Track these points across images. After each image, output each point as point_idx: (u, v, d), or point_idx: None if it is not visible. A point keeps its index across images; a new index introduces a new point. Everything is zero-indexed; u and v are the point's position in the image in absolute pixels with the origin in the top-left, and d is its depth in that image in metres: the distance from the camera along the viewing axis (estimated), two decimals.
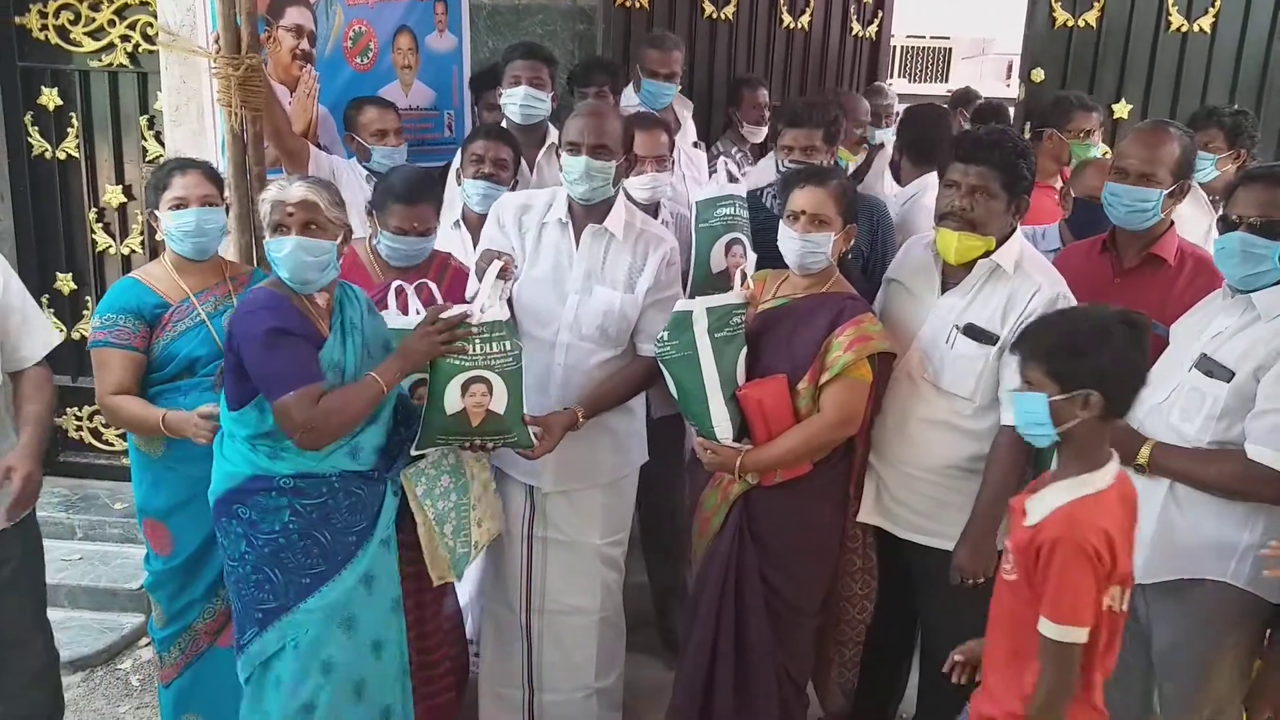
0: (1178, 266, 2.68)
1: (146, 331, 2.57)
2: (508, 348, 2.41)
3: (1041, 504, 1.91)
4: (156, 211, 2.63)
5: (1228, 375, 2.19)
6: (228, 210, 2.78)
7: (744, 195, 3.03)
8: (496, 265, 2.39)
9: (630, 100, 3.97)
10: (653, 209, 3.20)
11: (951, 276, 2.57)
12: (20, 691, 2.58)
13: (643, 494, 3.37)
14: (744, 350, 2.55)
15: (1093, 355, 1.84)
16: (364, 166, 3.45)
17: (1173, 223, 2.75)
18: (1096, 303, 2.39)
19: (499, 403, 2.42)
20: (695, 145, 4.00)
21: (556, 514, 2.80)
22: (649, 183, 3.14)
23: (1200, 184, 3.44)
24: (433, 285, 2.67)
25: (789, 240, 2.53)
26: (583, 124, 2.60)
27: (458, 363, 2.38)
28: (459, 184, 3.22)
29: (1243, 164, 3.77)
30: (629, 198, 3.19)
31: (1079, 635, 1.82)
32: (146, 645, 3.60)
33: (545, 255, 2.67)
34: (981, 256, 2.49)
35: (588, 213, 2.66)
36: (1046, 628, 1.84)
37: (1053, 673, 1.85)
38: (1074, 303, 2.45)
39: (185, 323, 2.60)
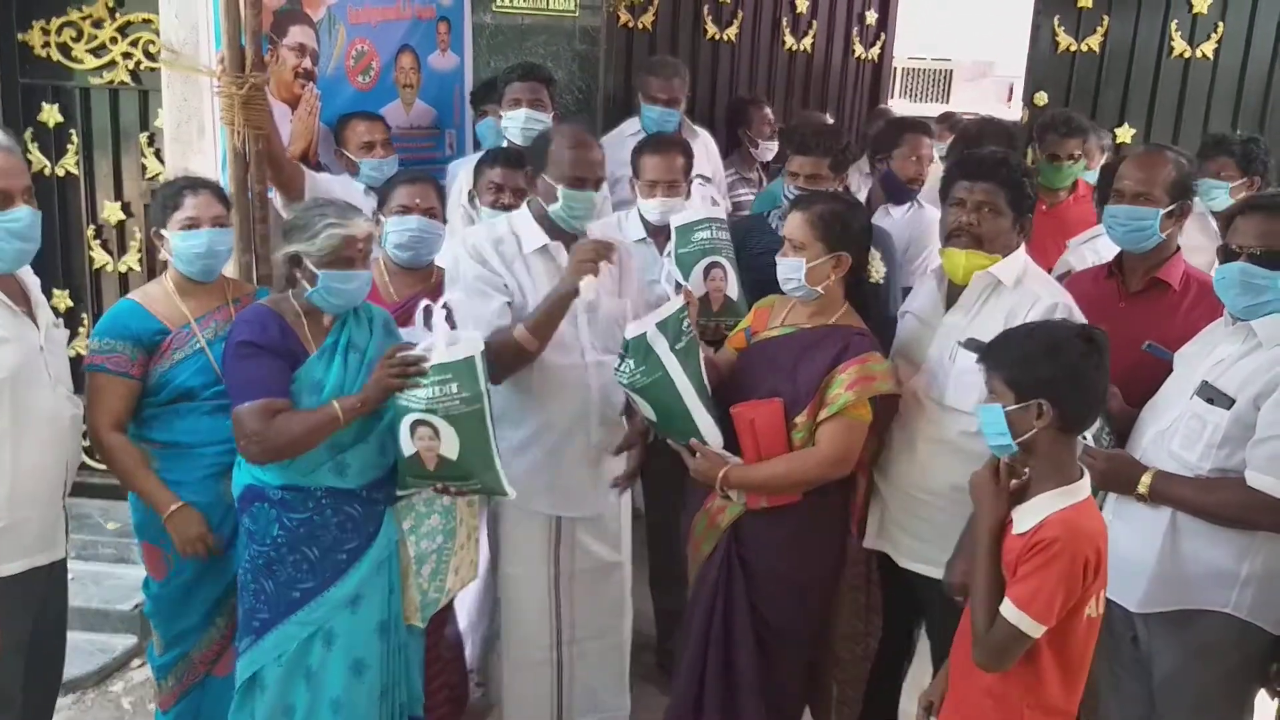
0: (1182, 291, 2.68)
1: (144, 359, 2.52)
2: (455, 390, 2.30)
3: (1032, 513, 1.92)
4: (163, 231, 2.56)
5: (1228, 403, 2.18)
6: None
7: (723, 218, 3.03)
8: (443, 310, 2.33)
9: (634, 127, 3.96)
10: (665, 230, 3.17)
11: (956, 296, 2.57)
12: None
13: (646, 515, 3.36)
14: (701, 350, 2.56)
15: (1045, 365, 1.89)
16: (356, 180, 3.41)
17: (1179, 248, 2.75)
18: (1100, 324, 2.39)
19: (449, 448, 2.33)
20: (702, 179, 3.94)
21: (586, 539, 2.80)
22: (659, 206, 3.13)
23: (1215, 212, 3.43)
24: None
25: (779, 269, 2.53)
26: (583, 156, 2.59)
27: (405, 403, 2.32)
28: (470, 204, 3.19)
29: (1256, 191, 3.76)
30: (642, 219, 3.21)
31: (1034, 630, 1.84)
32: (139, 667, 3.56)
33: (540, 285, 2.63)
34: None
35: (564, 232, 2.66)
36: (1008, 610, 1.85)
37: (998, 654, 1.88)
38: (1075, 312, 2.44)
39: (184, 351, 2.54)
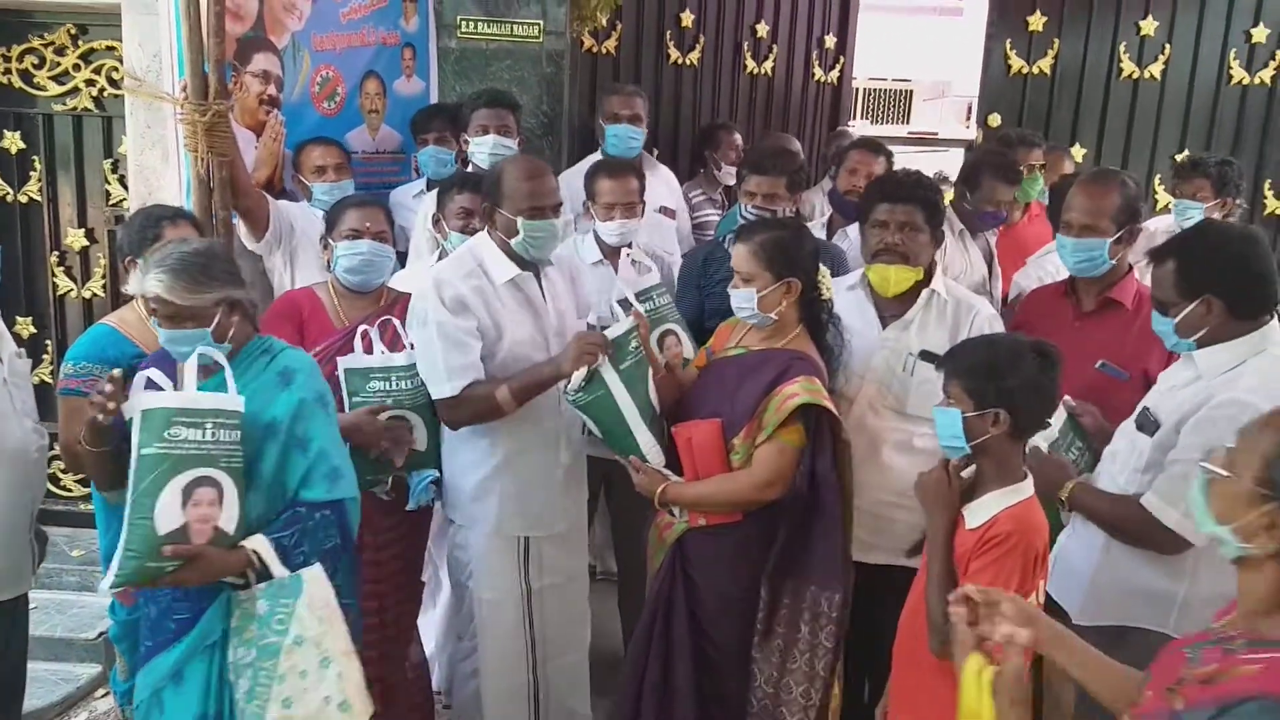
0: (1134, 310, 2.74)
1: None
2: (236, 439, 2.02)
3: (983, 510, 2.00)
4: (140, 260, 2.47)
5: (1154, 429, 2.22)
6: None
7: (660, 283, 3.02)
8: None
9: (597, 159, 3.95)
10: (617, 251, 3.24)
11: (886, 310, 2.72)
12: None
13: (614, 532, 3.36)
14: (649, 372, 2.59)
15: (1004, 377, 1.97)
16: (313, 205, 3.40)
17: (1131, 267, 2.83)
18: (1055, 341, 2.44)
19: (230, 516, 2.00)
20: (667, 212, 3.94)
21: (551, 555, 2.79)
22: (617, 229, 3.17)
23: None
24: (396, 322, 2.69)
25: (735, 300, 2.56)
26: (539, 186, 2.59)
27: (165, 452, 1.93)
28: (435, 228, 3.19)
29: (1229, 212, 3.87)
30: (598, 241, 3.24)
31: None
32: (103, 696, 3.52)
33: (514, 316, 2.63)
34: (917, 287, 2.69)
35: (529, 262, 2.66)
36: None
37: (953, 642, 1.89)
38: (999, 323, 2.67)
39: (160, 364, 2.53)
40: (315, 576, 2.05)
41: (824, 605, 2.49)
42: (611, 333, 2.54)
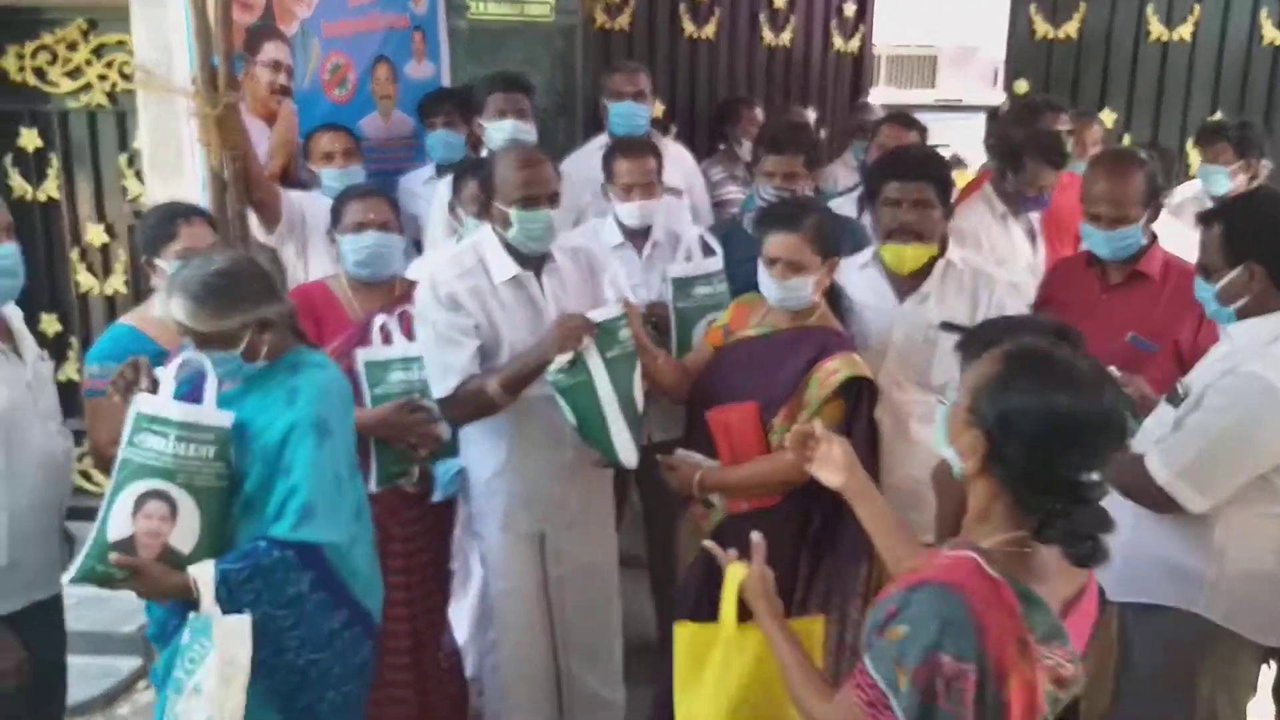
0: (1162, 280, 2.72)
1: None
2: (210, 455, 1.93)
3: None
4: (157, 260, 2.49)
5: (1179, 401, 2.19)
6: None
7: (721, 270, 2.98)
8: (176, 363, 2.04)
9: (602, 140, 3.81)
10: (643, 232, 3.19)
11: (902, 285, 2.69)
12: None
13: (645, 519, 3.33)
14: (638, 366, 2.54)
15: None
16: (322, 193, 3.34)
17: (1155, 236, 2.78)
18: (1082, 315, 2.49)
19: (185, 534, 1.93)
20: (674, 192, 3.82)
21: (571, 544, 2.77)
22: (637, 210, 3.11)
23: (1214, 195, 3.52)
24: (413, 311, 2.67)
25: (768, 285, 2.51)
26: (531, 175, 2.50)
27: (128, 458, 1.91)
28: (451, 214, 3.16)
29: (1254, 174, 3.78)
30: (619, 223, 3.20)
31: None
32: (145, 689, 3.55)
33: (516, 317, 2.57)
34: (932, 260, 2.66)
35: (532, 256, 2.58)
36: None
37: None
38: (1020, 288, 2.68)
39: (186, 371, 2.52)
40: (230, 630, 1.87)
41: (851, 580, 2.53)
42: (597, 315, 2.46)
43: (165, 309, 2.05)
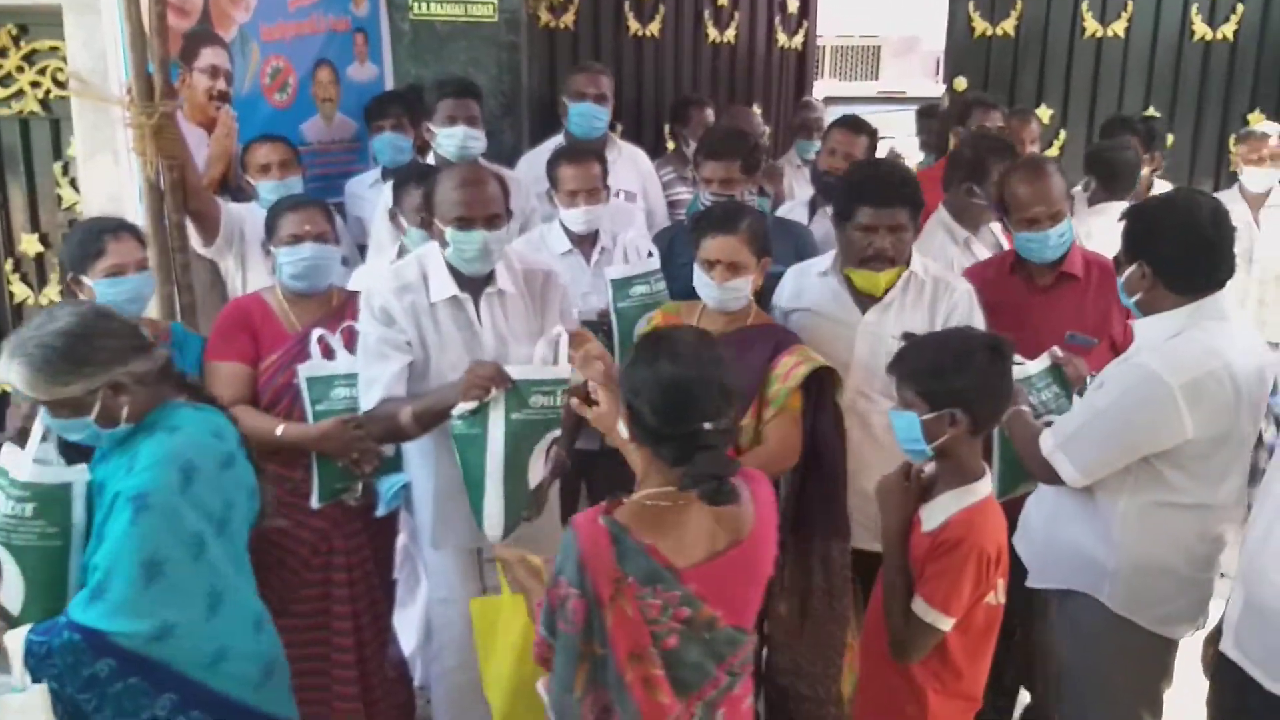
0: (1085, 277, 2.82)
1: None
2: (28, 513, 1.82)
3: (938, 511, 2.00)
4: (83, 278, 2.43)
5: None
6: None
7: (659, 270, 3.00)
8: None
9: (557, 142, 3.79)
10: (590, 238, 3.19)
11: (865, 296, 2.66)
12: None
13: None
14: (551, 436, 2.38)
15: (956, 377, 1.96)
16: (260, 205, 3.25)
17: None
18: (1016, 320, 2.62)
19: (10, 594, 1.86)
20: (627, 194, 3.83)
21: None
22: (583, 216, 3.11)
23: None
24: (358, 327, 2.64)
25: (707, 288, 2.53)
26: (468, 195, 2.42)
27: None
28: (392, 221, 3.12)
29: (1156, 167, 3.88)
30: (565, 229, 3.20)
31: (945, 624, 1.93)
32: None
33: (449, 339, 2.50)
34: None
35: (472, 277, 2.52)
36: (920, 606, 1.94)
37: (912, 647, 1.98)
38: (973, 296, 2.65)
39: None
40: (16, 707, 1.76)
41: (834, 552, 2.56)
42: (516, 371, 2.34)
43: (3, 372, 1.84)
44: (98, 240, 2.45)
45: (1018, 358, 2.29)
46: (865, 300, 2.66)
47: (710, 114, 4.52)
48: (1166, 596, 2.20)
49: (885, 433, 2.55)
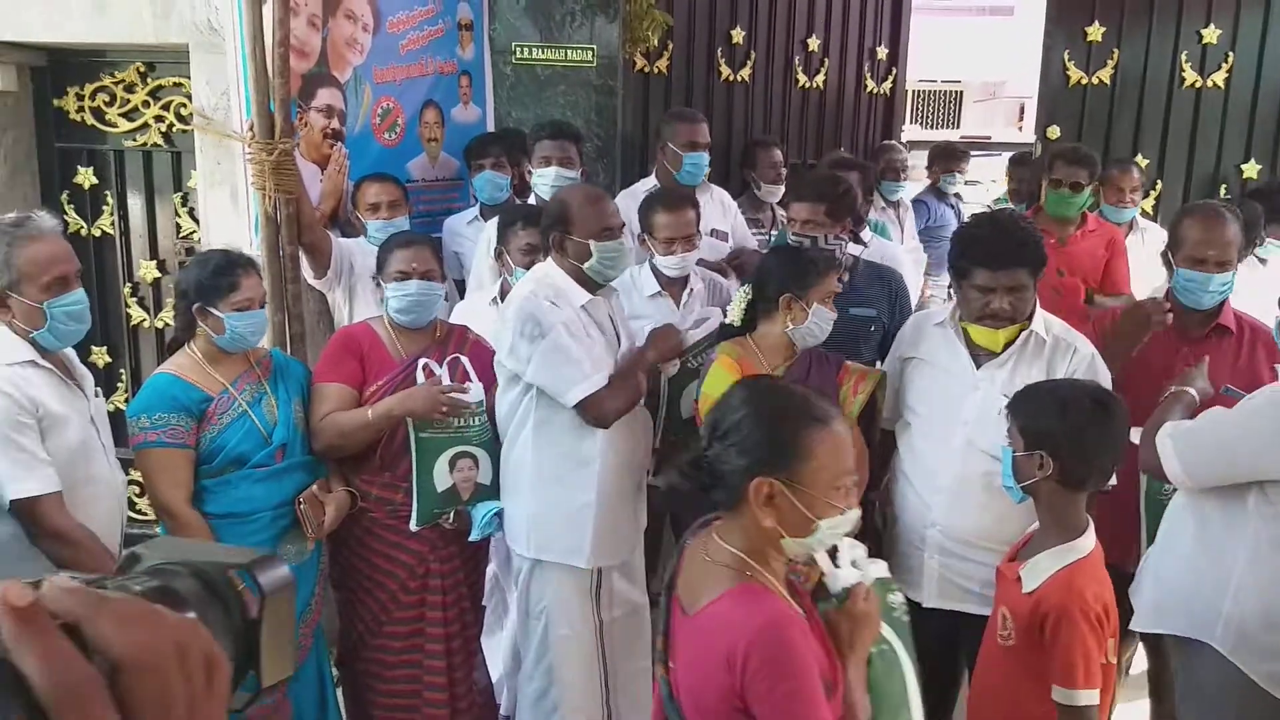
0: (1238, 333, 2.81)
1: (195, 427, 2.51)
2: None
3: (1036, 571, 1.97)
4: (211, 309, 2.50)
5: None
6: None
7: (718, 334, 2.97)
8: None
9: (649, 184, 3.90)
10: (680, 281, 3.27)
11: (981, 350, 2.60)
12: None
13: None
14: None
15: (1052, 420, 1.97)
16: (368, 241, 3.39)
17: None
18: (1165, 372, 2.62)
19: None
20: (720, 235, 3.94)
21: (620, 584, 2.83)
22: (678, 262, 3.19)
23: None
24: (465, 360, 2.74)
25: (826, 320, 2.67)
26: (606, 208, 2.68)
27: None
28: (498, 260, 3.22)
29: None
30: (655, 273, 3.26)
31: (1094, 698, 1.89)
32: None
33: (592, 335, 2.68)
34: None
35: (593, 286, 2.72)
36: (1062, 695, 1.89)
37: None
38: (1098, 358, 2.55)
39: (229, 415, 2.55)
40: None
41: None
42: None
43: None
44: (231, 274, 2.52)
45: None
46: (981, 354, 2.60)
47: (778, 155, 4.54)
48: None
49: (980, 493, 2.52)
